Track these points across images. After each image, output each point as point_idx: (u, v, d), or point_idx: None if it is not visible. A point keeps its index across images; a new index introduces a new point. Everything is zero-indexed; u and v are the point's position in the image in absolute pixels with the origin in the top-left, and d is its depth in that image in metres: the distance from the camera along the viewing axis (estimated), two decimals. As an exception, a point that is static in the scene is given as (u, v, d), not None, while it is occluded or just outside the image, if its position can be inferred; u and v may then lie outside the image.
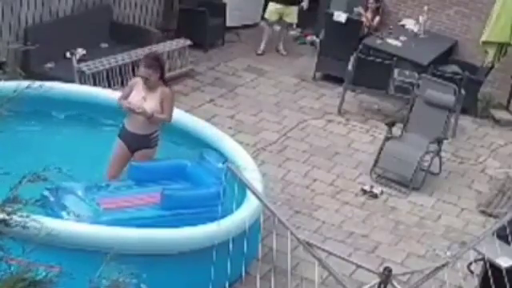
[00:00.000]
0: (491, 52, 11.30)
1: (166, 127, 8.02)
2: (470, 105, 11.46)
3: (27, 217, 2.84)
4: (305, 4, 13.06)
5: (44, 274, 2.86)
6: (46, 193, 6.73)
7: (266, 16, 12.99)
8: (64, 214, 6.64)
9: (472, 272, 7.07)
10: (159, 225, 6.64)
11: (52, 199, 6.74)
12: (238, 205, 6.74)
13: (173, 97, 7.51)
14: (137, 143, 7.31)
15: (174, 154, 8.22)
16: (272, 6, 12.87)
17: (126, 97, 7.34)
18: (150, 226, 6.62)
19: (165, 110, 7.25)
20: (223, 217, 6.35)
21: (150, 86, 7.21)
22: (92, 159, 7.74)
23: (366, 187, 9.24)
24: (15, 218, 2.82)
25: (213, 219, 6.36)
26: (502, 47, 11.31)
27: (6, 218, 2.80)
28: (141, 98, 7.21)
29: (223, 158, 7.76)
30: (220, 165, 7.42)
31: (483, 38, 11.22)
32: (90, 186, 7.00)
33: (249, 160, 7.94)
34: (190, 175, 7.49)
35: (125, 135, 7.33)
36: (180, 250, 6.57)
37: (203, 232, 6.62)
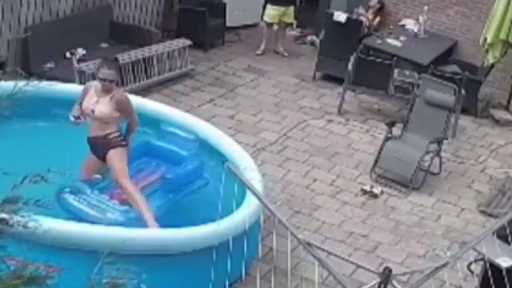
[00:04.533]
0: (496, 52, 11.29)
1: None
2: (470, 105, 11.46)
3: (28, 216, 2.84)
4: None
5: (43, 273, 2.86)
6: (66, 195, 6.81)
7: (266, 19, 12.98)
8: (87, 214, 6.69)
9: (472, 272, 7.07)
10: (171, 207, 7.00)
11: (71, 201, 6.80)
12: (238, 205, 6.75)
13: (127, 97, 7.20)
14: (100, 147, 7.06)
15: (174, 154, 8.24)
16: (271, 9, 12.85)
17: (81, 105, 7.10)
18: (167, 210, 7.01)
19: (128, 112, 7.09)
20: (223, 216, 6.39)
21: (105, 90, 6.93)
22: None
23: (366, 187, 9.24)
24: (16, 217, 2.82)
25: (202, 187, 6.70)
26: (504, 46, 11.28)
27: (7, 217, 2.80)
28: (93, 102, 6.96)
29: (192, 136, 7.96)
30: (185, 134, 7.81)
31: (489, 40, 11.19)
32: (89, 186, 7.02)
33: (249, 160, 7.94)
34: (156, 151, 7.71)
35: (90, 144, 7.17)
36: (180, 250, 6.57)
37: (203, 232, 6.62)
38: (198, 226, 6.66)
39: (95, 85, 7.05)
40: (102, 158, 7.07)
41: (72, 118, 7.06)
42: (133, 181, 7.08)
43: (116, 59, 7.46)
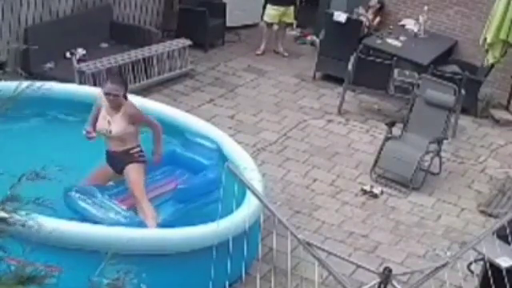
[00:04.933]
0: (496, 52, 11.28)
1: (166, 128, 8.02)
2: (470, 105, 11.46)
3: (27, 215, 2.84)
4: None
5: (42, 273, 2.87)
6: (72, 194, 6.81)
7: (266, 19, 12.98)
8: (93, 215, 6.69)
9: (472, 272, 7.07)
10: (179, 217, 6.89)
11: (78, 200, 6.80)
12: (238, 204, 6.75)
13: (137, 108, 7.11)
14: (119, 161, 7.05)
15: (173, 155, 8.23)
16: (271, 9, 12.86)
17: (93, 124, 7.07)
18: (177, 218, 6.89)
19: (144, 122, 7.07)
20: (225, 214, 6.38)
21: (113, 107, 6.89)
22: (91, 159, 7.73)
23: (366, 187, 9.24)
24: (16, 216, 2.82)
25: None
26: (504, 46, 11.28)
27: (6, 216, 2.80)
28: (106, 122, 6.94)
29: (210, 139, 7.89)
30: (209, 144, 7.69)
31: (489, 40, 11.19)
32: (101, 189, 7.03)
33: (249, 160, 7.94)
34: (181, 160, 7.60)
35: (108, 157, 7.15)
36: (179, 250, 6.57)
37: (202, 232, 6.62)
38: (196, 226, 6.66)
39: (102, 103, 7.00)
40: (119, 171, 7.06)
41: (84, 133, 7.06)
42: (150, 187, 7.10)
43: (119, 72, 7.35)
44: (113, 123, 6.90)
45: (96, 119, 7.04)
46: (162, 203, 7.17)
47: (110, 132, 6.93)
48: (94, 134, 7.02)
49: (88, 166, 7.41)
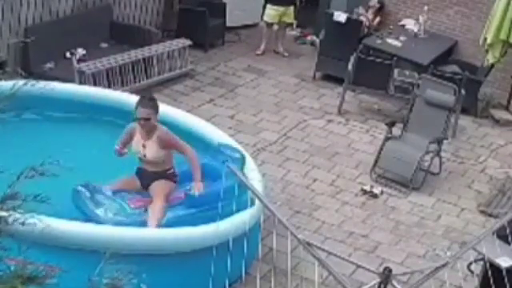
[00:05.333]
0: (496, 52, 11.28)
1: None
2: (470, 105, 11.46)
3: (26, 213, 2.84)
4: None
5: (43, 273, 2.87)
6: (80, 188, 6.81)
7: (266, 19, 12.98)
8: (99, 211, 6.68)
9: (472, 272, 7.07)
10: (187, 222, 6.72)
11: (86, 195, 6.78)
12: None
13: (169, 132, 7.00)
14: (150, 179, 7.04)
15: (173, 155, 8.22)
16: (271, 9, 12.85)
17: (124, 144, 7.05)
18: (179, 224, 6.73)
19: (176, 147, 6.98)
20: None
21: (147, 131, 6.88)
22: (91, 159, 7.73)
23: (366, 187, 9.24)
24: (15, 215, 2.82)
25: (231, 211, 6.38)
26: (504, 46, 11.28)
27: (5, 215, 2.80)
28: (141, 146, 6.95)
29: (239, 151, 7.82)
30: (237, 155, 7.55)
31: (489, 40, 11.19)
32: (114, 192, 7.01)
33: (249, 160, 7.94)
34: (208, 171, 7.51)
35: (139, 173, 7.13)
36: (179, 250, 6.56)
37: (202, 232, 6.61)
38: (197, 227, 6.65)
39: (137, 126, 6.97)
40: (147, 186, 7.03)
41: (116, 148, 7.05)
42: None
43: (153, 97, 7.23)
44: (147, 148, 6.92)
45: (128, 140, 7.03)
46: (170, 208, 7.10)
47: (145, 156, 6.96)
48: (125, 151, 7.04)
49: (87, 165, 7.41)
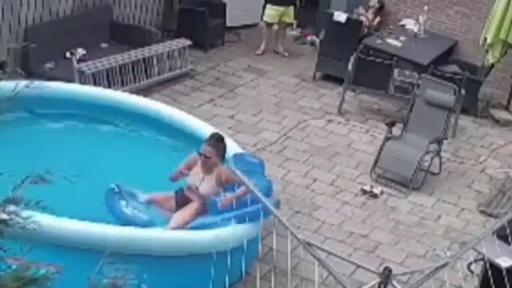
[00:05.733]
0: (496, 52, 11.28)
1: (166, 129, 8.02)
2: (470, 105, 11.46)
3: (28, 218, 2.84)
4: None
5: (43, 272, 2.86)
6: (113, 186, 6.89)
7: (266, 19, 12.97)
8: (126, 210, 6.74)
9: (472, 272, 7.07)
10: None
11: (117, 192, 6.85)
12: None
13: (230, 176, 6.79)
14: (186, 203, 7.08)
15: (173, 155, 8.23)
16: (271, 9, 12.85)
17: (182, 170, 7.12)
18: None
19: (239, 183, 6.80)
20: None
21: (207, 167, 6.95)
22: (91, 159, 7.74)
23: (366, 187, 9.24)
24: (16, 218, 2.82)
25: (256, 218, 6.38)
26: (504, 46, 11.28)
27: (7, 218, 2.80)
28: (199, 178, 7.00)
29: (257, 159, 7.83)
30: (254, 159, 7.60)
31: (489, 40, 11.18)
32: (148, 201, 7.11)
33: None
34: None
35: (179, 193, 7.15)
36: (179, 253, 6.56)
37: (203, 236, 6.63)
38: (198, 231, 6.66)
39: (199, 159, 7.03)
40: (180, 207, 7.05)
41: (177, 169, 7.13)
42: None
43: (221, 138, 7.23)
44: (203, 183, 6.97)
45: (189, 168, 7.09)
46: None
47: (197, 189, 6.98)
48: (182, 178, 7.10)
49: (87, 165, 7.41)
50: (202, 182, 6.99)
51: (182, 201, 7.10)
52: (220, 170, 6.96)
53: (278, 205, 6.96)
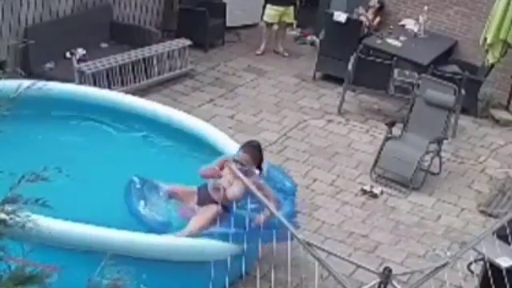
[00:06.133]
0: (496, 52, 11.28)
1: (165, 129, 8.01)
2: (470, 105, 11.46)
3: (27, 217, 2.83)
4: None
5: (39, 270, 2.87)
6: (135, 179, 6.81)
7: (266, 19, 12.97)
8: (141, 207, 6.65)
9: (472, 272, 7.07)
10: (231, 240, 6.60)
11: (137, 187, 6.78)
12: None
13: (260, 184, 6.80)
14: (208, 201, 6.94)
15: (173, 155, 8.23)
16: (271, 9, 12.85)
17: (214, 168, 7.04)
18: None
19: (265, 193, 6.68)
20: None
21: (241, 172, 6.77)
22: (91, 159, 7.74)
23: (366, 187, 9.24)
24: (16, 218, 2.82)
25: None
26: (504, 46, 11.27)
27: (6, 218, 2.80)
28: (227, 180, 6.90)
29: (288, 176, 7.76)
30: (288, 184, 7.48)
31: (489, 40, 11.18)
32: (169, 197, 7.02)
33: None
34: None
35: (202, 189, 7.03)
36: (179, 259, 6.56)
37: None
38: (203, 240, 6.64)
39: (232, 163, 6.96)
40: (201, 204, 6.94)
41: (209, 166, 7.06)
42: None
43: (257, 145, 7.18)
44: (232, 186, 6.84)
45: (220, 167, 7.01)
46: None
47: (225, 190, 6.85)
48: (214, 177, 6.95)
49: (87, 165, 7.41)
50: (231, 185, 6.87)
51: (204, 198, 6.94)
52: (252, 177, 6.81)
53: (296, 225, 6.80)
